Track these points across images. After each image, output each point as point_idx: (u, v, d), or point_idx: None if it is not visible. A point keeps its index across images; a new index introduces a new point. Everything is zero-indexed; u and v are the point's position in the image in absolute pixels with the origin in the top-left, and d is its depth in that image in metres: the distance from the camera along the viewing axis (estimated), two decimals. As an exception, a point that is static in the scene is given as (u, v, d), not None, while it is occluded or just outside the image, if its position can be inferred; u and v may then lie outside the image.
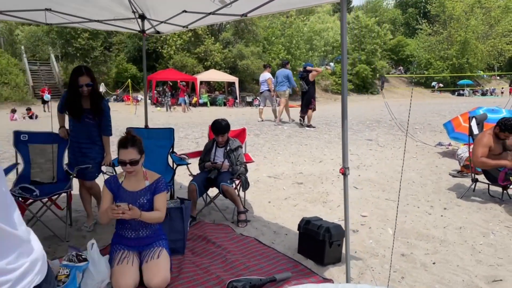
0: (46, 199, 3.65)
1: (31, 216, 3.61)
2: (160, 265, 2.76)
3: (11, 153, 6.75)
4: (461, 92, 37.82)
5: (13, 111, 15.83)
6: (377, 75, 34.50)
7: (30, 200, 3.53)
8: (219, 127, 4.13)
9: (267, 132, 10.23)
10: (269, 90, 11.75)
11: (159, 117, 15.63)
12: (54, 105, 20.26)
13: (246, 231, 3.81)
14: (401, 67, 42.77)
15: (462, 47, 36.84)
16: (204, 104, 24.41)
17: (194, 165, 4.49)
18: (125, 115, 16.87)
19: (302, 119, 11.39)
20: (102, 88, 21.23)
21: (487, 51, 38.29)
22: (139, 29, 4.38)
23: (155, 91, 24.22)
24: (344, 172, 2.39)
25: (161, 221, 2.91)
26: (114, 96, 25.84)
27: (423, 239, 3.70)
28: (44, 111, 18.68)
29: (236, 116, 15.20)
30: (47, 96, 19.51)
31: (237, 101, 25.41)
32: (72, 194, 3.79)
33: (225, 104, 25.09)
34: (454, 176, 6.04)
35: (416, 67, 40.50)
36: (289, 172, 6.23)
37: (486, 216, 4.34)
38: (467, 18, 37.46)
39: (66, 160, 3.93)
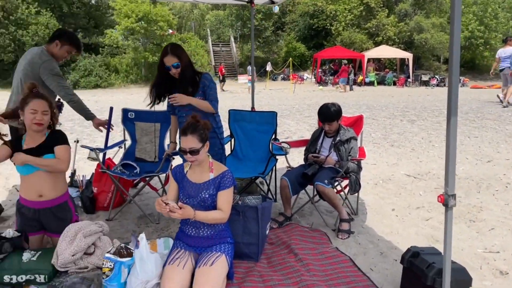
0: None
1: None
2: (210, 274, 2.32)
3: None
4: None
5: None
6: None
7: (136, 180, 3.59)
8: (325, 113, 3.39)
9: (427, 118, 8.63)
10: (510, 67, 10.23)
11: (314, 97, 15.19)
12: (229, 83, 21.81)
13: (345, 246, 3.04)
14: None
15: None
16: (371, 83, 22.82)
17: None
18: (285, 93, 17.09)
19: None
20: (268, 67, 21.98)
21: None
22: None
23: (320, 70, 23.79)
24: (445, 201, 1.45)
25: (223, 222, 2.47)
26: (282, 75, 26.62)
27: None
28: (222, 90, 20.09)
29: (398, 97, 13.48)
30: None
31: (409, 80, 22.85)
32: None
33: (394, 84, 22.91)
34: None
35: None
36: (437, 172, 4.96)
37: None
38: None
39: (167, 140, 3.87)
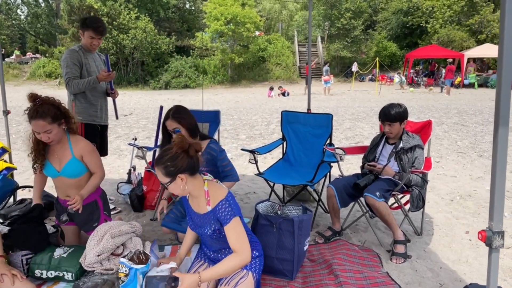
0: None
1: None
2: (234, 296, 2.13)
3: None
4: None
5: (271, 88, 17.81)
6: None
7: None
8: (386, 111, 2.99)
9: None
10: None
11: (401, 99, 14.10)
12: (314, 83, 21.10)
13: (398, 271, 2.63)
14: None
15: None
16: (470, 86, 20.63)
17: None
18: (370, 95, 16.22)
19: None
20: (354, 68, 21.06)
21: None
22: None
23: (411, 71, 22.15)
24: (488, 239, 1.07)
25: (245, 263, 2.09)
26: (370, 76, 25.35)
27: None
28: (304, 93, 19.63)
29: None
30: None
31: (517, 82, 20.15)
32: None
33: (499, 86, 20.38)
34: None
35: None
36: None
37: None
38: None
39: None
